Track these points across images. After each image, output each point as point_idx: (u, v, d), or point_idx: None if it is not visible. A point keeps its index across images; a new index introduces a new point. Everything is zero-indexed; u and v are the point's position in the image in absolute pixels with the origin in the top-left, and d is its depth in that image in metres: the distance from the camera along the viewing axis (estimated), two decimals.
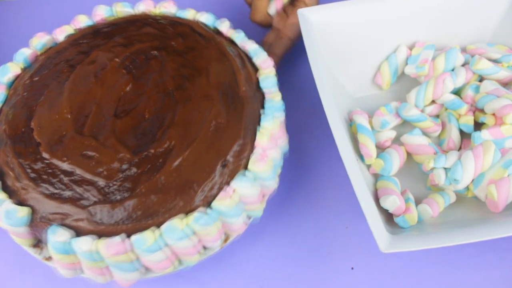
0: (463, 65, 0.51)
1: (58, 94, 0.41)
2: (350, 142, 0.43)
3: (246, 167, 0.39)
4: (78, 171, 0.37)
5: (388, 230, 0.38)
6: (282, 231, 0.46)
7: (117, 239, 0.35)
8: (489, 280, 0.42)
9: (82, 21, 0.47)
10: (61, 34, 0.46)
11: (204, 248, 0.39)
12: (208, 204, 0.37)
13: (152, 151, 0.38)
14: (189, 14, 0.48)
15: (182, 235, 0.35)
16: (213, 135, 0.39)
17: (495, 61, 0.50)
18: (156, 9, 0.48)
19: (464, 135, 0.48)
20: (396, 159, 0.45)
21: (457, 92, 0.50)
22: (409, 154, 0.48)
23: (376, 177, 0.46)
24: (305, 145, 0.51)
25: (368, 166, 0.47)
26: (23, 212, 0.36)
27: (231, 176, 0.38)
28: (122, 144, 0.38)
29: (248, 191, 0.37)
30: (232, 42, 0.47)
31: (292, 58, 0.58)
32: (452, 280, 0.42)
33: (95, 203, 0.36)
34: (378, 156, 0.46)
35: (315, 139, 0.52)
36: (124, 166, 0.37)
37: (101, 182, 0.37)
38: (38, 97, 0.41)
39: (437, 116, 0.50)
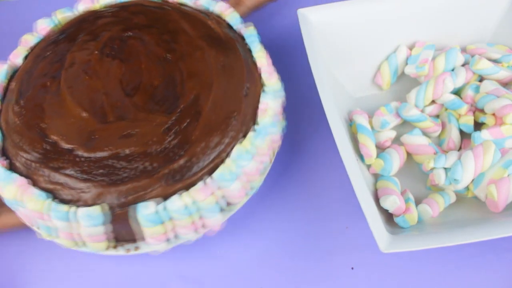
0: (463, 65, 0.51)
1: (59, 103, 0.41)
2: (350, 142, 0.43)
3: (261, 89, 0.44)
4: (128, 150, 0.38)
5: (388, 230, 0.38)
6: (282, 231, 0.46)
7: (207, 180, 0.38)
8: (489, 280, 0.42)
9: (31, 40, 0.47)
10: (18, 57, 0.46)
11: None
12: (253, 124, 0.42)
13: (182, 105, 0.41)
14: None
15: (250, 156, 0.39)
16: (224, 73, 0.43)
17: (495, 61, 0.50)
18: (97, 4, 0.49)
19: (464, 135, 0.48)
20: (396, 159, 0.45)
21: (457, 92, 0.50)
22: (409, 154, 0.48)
23: (376, 177, 0.46)
24: (304, 145, 0.51)
25: (368, 166, 0.47)
26: (101, 208, 0.37)
27: (256, 98, 0.43)
28: (152, 113, 0.40)
29: (274, 104, 0.43)
30: (182, 5, 0.49)
31: (292, 58, 0.58)
32: (452, 280, 0.42)
33: (162, 168, 0.38)
34: (378, 156, 0.46)
35: (315, 139, 0.52)
36: (167, 127, 0.39)
37: (156, 149, 0.38)
38: (39, 114, 0.41)
39: (437, 116, 0.50)
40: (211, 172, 0.39)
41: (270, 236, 0.46)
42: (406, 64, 0.52)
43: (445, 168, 0.43)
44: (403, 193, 0.44)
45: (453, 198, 0.44)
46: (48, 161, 0.38)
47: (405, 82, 0.53)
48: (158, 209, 0.37)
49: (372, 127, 0.48)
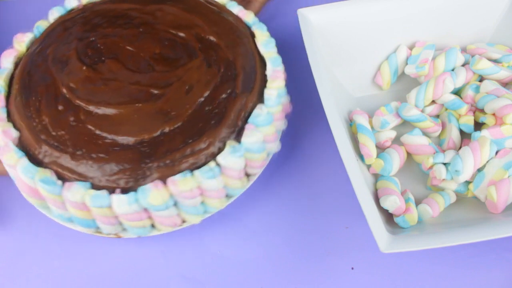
0: (463, 65, 0.51)
1: (107, 119, 0.41)
2: (350, 142, 0.43)
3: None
4: (201, 98, 0.41)
5: (388, 230, 0.38)
6: (281, 231, 0.46)
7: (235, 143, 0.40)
8: (489, 280, 0.42)
9: (14, 55, 0.47)
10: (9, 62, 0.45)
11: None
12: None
13: (198, 48, 0.44)
14: None
15: (270, 119, 0.42)
16: (221, 38, 0.45)
17: (495, 61, 0.50)
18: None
19: (464, 135, 0.48)
20: (396, 159, 0.45)
21: (457, 92, 0.50)
22: (409, 154, 0.48)
23: (376, 177, 0.46)
24: (305, 145, 0.51)
25: (368, 166, 0.47)
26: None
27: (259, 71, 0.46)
28: (190, 60, 0.44)
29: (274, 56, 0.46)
30: None
31: (292, 58, 0.58)
32: (452, 280, 0.42)
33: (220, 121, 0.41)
34: (378, 156, 0.46)
35: (315, 139, 0.52)
36: (208, 65, 0.43)
37: (215, 83, 0.42)
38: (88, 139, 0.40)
39: (437, 116, 0.50)
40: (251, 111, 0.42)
41: (270, 236, 0.46)
42: (406, 64, 0.52)
43: (445, 164, 0.43)
44: (403, 193, 0.44)
45: (453, 198, 0.44)
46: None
47: (405, 82, 0.53)
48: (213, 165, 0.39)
49: (372, 127, 0.48)
